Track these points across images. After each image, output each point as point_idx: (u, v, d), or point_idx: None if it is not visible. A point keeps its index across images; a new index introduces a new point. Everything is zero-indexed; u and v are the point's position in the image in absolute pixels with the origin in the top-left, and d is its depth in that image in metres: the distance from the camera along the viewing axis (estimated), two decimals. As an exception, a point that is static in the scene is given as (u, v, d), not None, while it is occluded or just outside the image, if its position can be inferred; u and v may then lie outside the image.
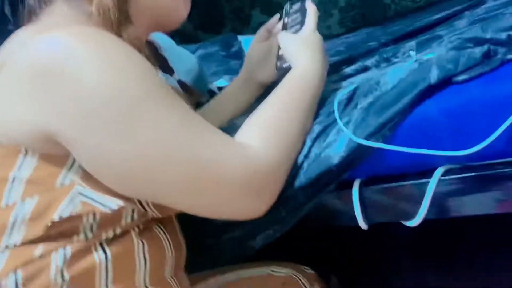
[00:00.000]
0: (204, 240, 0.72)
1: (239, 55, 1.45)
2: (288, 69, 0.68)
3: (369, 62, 0.81)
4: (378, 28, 1.47)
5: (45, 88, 0.44)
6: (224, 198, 0.50)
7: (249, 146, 0.52)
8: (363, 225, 0.62)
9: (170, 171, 0.47)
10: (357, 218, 0.62)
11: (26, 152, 0.47)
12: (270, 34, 0.83)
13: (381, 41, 0.95)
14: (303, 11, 0.76)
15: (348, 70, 0.80)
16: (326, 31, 1.92)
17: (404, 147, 0.55)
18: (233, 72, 1.35)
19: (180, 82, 0.86)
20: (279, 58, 0.74)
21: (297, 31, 0.73)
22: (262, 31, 0.84)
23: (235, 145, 0.52)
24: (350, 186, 0.62)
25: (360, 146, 0.56)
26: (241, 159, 0.50)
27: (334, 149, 0.58)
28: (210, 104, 0.89)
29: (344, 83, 0.74)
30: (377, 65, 0.80)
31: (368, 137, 0.56)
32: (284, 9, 0.82)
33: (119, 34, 0.51)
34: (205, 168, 0.48)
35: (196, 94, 1.06)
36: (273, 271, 0.73)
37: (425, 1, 1.70)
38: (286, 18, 0.80)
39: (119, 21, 0.51)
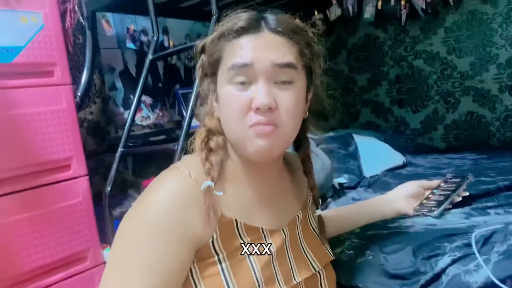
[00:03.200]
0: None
1: (355, 156, 1.67)
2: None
3: (489, 204, 1.00)
4: (483, 157, 1.65)
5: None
6: None
7: None
8: None
9: None
10: None
11: None
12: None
13: (499, 185, 1.13)
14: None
15: (469, 208, 0.99)
16: (428, 142, 2.12)
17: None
18: (351, 171, 1.56)
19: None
20: (421, 204, 0.97)
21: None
22: (422, 183, 1.03)
23: None
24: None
25: (495, 284, 0.71)
26: None
27: (473, 278, 0.73)
28: (349, 209, 1.04)
29: (466, 221, 0.91)
30: (496, 207, 0.99)
31: (504, 279, 0.71)
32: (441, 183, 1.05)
33: (225, 166, 0.68)
34: None
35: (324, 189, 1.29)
36: None
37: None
38: (436, 191, 1.02)
39: (221, 162, 0.68)
